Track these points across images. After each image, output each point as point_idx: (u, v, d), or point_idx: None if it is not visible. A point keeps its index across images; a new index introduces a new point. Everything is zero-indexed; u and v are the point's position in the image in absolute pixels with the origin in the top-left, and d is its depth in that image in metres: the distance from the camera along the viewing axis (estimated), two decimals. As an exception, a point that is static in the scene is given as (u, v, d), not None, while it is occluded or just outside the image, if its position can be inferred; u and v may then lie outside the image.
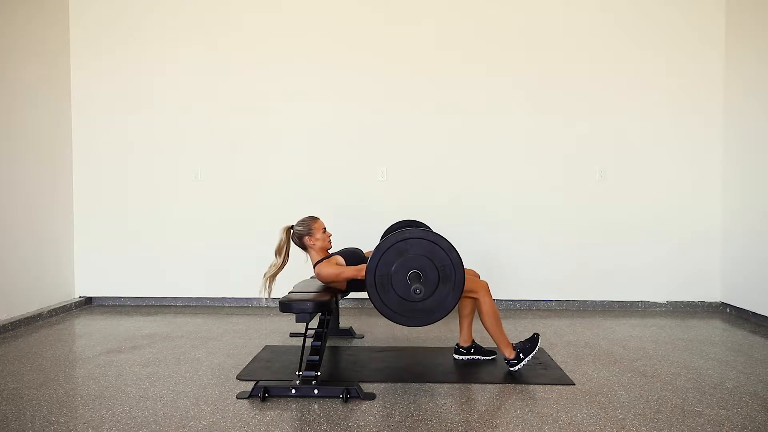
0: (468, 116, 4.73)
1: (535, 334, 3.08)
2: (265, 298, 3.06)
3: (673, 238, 4.68)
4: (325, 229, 3.19)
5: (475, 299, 3.00)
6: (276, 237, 3.18)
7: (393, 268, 2.58)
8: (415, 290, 2.46)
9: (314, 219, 3.19)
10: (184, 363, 3.19)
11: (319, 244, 3.14)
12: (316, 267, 3.09)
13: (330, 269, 3.03)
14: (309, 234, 3.13)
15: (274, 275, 3.09)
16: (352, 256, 3.13)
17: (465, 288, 2.85)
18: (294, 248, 3.20)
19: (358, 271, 2.95)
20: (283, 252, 3.13)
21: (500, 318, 3.01)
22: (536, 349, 2.99)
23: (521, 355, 2.96)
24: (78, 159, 4.92)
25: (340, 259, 3.09)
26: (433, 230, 3.74)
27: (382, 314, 2.62)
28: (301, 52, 4.78)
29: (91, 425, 2.32)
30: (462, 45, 4.72)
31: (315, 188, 4.80)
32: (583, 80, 4.68)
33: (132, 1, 4.86)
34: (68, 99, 4.86)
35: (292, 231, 3.18)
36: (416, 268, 2.57)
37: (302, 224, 3.16)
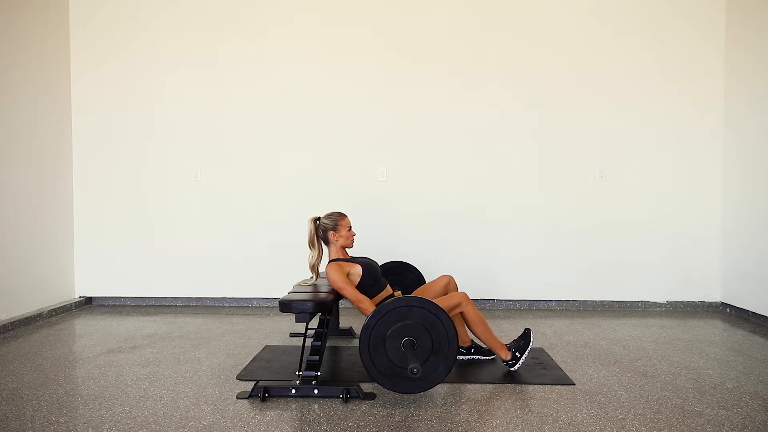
0: (468, 116, 4.73)
1: (526, 329, 3.06)
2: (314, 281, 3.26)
3: (673, 238, 4.68)
4: (350, 227, 3.20)
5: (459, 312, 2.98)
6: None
7: (389, 331, 2.57)
8: (411, 370, 2.40)
9: (342, 215, 3.20)
10: (184, 363, 3.19)
11: (341, 241, 3.15)
12: (329, 265, 3.07)
13: (337, 278, 2.98)
14: (334, 229, 3.14)
15: (314, 265, 3.18)
16: (368, 268, 3.09)
17: (448, 305, 2.87)
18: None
19: (358, 300, 2.95)
20: (315, 243, 3.17)
21: (486, 322, 2.99)
22: (530, 344, 2.98)
23: (517, 354, 2.96)
24: (78, 159, 4.92)
25: (356, 270, 3.05)
26: (423, 275, 3.76)
27: (368, 373, 2.59)
28: (300, 52, 4.78)
29: (91, 425, 2.32)
30: (463, 46, 4.72)
31: (315, 188, 4.79)
32: (584, 80, 4.68)
33: (133, 3, 4.86)
34: (69, 99, 4.86)
35: (318, 222, 3.18)
36: (412, 335, 2.56)
37: (330, 218, 3.17)
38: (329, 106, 4.79)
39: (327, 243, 3.18)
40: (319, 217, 3.20)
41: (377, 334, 2.57)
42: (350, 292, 2.97)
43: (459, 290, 3.39)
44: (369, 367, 2.58)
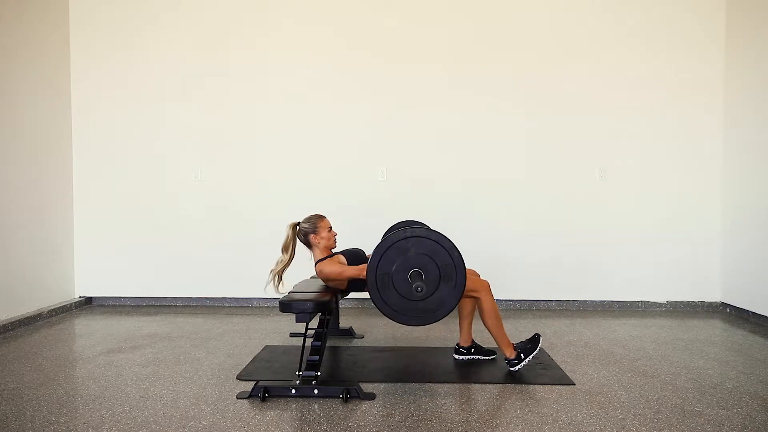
0: (468, 116, 4.73)
1: (536, 334, 3.07)
2: (278, 292, 3.10)
3: (673, 237, 4.68)
4: (331, 228, 3.20)
5: (475, 299, 3.00)
6: (278, 235, 3.18)
7: (394, 267, 2.56)
8: (416, 288, 2.44)
9: (321, 217, 3.20)
10: (184, 363, 3.19)
11: (323, 242, 3.15)
12: (318, 265, 3.09)
13: (332, 267, 3.03)
14: (315, 232, 3.14)
15: (280, 271, 3.10)
16: (353, 256, 3.14)
17: (466, 287, 2.85)
18: (300, 245, 3.20)
19: (361, 270, 2.96)
20: (290, 248, 3.14)
21: (501, 318, 3.01)
22: (537, 349, 2.99)
23: (522, 355, 2.96)
24: (78, 159, 4.92)
25: (342, 259, 3.10)
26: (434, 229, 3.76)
27: (382, 313, 2.61)
28: (300, 53, 4.78)
29: (91, 425, 2.32)
30: (464, 46, 4.72)
31: (315, 188, 4.79)
32: (584, 80, 4.68)
33: (133, 3, 4.86)
34: (69, 99, 4.86)
35: (298, 228, 3.18)
36: (417, 266, 2.56)
37: (309, 222, 3.17)
38: (329, 107, 4.79)
39: (310, 247, 3.19)
40: (299, 222, 3.21)
41: (382, 272, 2.56)
42: (352, 269, 3.00)
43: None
44: (381, 306, 2.58)
